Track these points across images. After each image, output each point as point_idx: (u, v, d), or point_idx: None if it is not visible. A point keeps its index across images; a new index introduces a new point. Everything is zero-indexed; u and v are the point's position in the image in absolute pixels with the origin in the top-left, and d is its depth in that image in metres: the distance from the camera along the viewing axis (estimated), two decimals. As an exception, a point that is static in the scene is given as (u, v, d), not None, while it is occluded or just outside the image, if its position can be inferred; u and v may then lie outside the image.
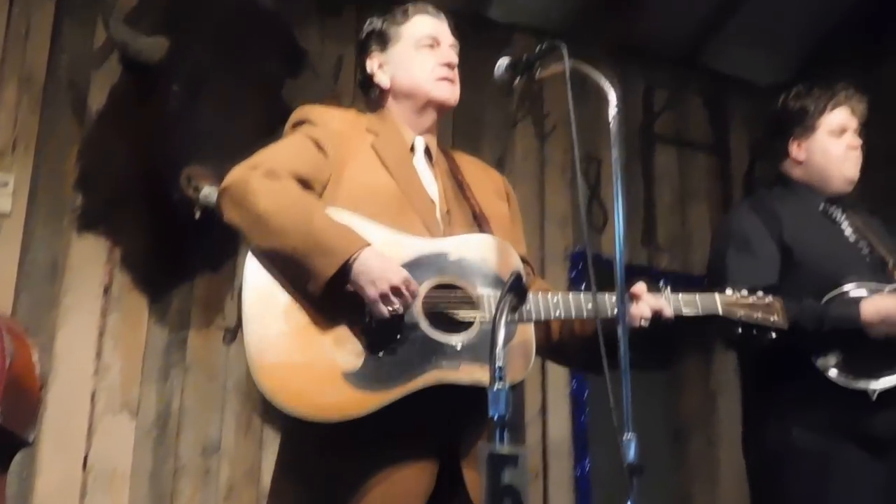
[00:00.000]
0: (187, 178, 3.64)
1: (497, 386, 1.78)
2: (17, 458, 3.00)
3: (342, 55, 4.48)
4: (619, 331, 2.07)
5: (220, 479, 3.98)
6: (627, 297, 2.41)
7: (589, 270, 2.30)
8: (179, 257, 4.11)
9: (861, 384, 2.98)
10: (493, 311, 2.12)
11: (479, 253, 2.42)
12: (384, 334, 2.28)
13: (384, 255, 2.29)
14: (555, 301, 2.40)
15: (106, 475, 3.82)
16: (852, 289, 3.07)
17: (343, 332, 2.30)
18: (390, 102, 2.68)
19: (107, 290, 4.01)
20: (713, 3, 5.21)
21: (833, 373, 3.00)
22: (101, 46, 4.18)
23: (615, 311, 2.21)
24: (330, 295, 2.26)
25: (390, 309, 2.25)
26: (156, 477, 3.90)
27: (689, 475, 5.13)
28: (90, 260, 4.01)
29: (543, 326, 2.52)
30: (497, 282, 2.36)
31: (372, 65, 2.70)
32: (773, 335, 2.66)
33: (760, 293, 2.64)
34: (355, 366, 2.26)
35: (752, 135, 5.36)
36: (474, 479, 2.25)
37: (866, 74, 5.14)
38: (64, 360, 3.85)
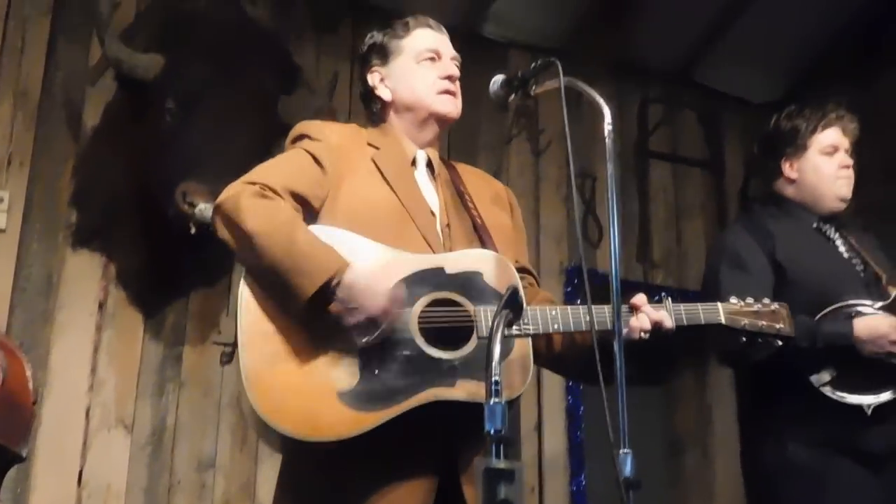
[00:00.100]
0: (182, 193, 3.64)
1: (493, 400, 1.78)
2: (11, 473, 2.99)
3: (337, 71, 4.49)
4: (615, 346, 2.07)
5: (216, 495, 3.97)
6: (626, 311, 2.42)
7: (585, 286, 2.29)
8: (174, 273, 4.10)
9: (856, 399, 2.99)
10: (490, 327, 2.12)
11: (476, 268, 2.41)
12: (379, 353, 2.27)
13: (368, 277, 2.28)
14: (553, 314, 2.39)
15: (101, 491, 3.81)
16: (847, 305, 3.08)
17: (337, 351, 2.28)
18: (392, 116, 2.68)
19: (101, 306, 4.00)
20: (707, 20, 5.23)
21: (828, 389, 3.01)
22: (96, 63, 4.18)
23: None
24: (314, 315, 2.25)
25: (366, 339, 2.24)
26: (151, 492, 3.89)
27: (685, 490, 5.13)
28: (85, 276, 4.00)
29: (545, 337, 2.51)
30: (495, 297, 2.36)
31: (373, 78, 2.70)
32: (780, 343, 2.63)
33: (767, 300, 2.61)
34: (350, 385, 2.25)
35: (746, 151, 5.38)
36: (474, 495, 2.24)
37: (860, 91, 5.17)
38: (59, 376, 3.84)
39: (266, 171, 2.48)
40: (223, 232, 2.38)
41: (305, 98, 4.19)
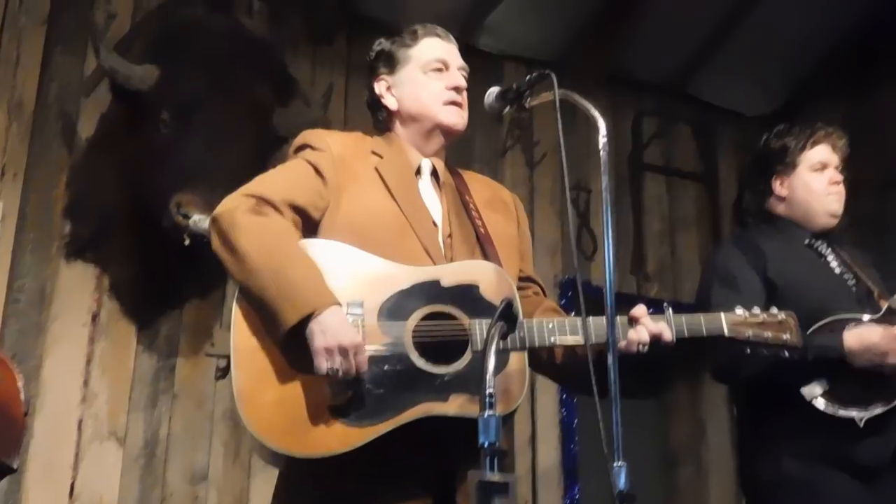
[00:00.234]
0: (177, 205, 3.63)
1: (487, 413, 1.77)
2: (3, 485, 2.99)
3: (333, 83, 4.51)
4: (609, 358, 2.06)
5: (209, 507, 3.97)
6: (626, 322, 2.39)
7: (579, 298, 2.28)
8: (168, 285, 4.10)
9: (848, 412, 2.99)
10: (485, 341, 2.11)
11: (473, 280, 2.38)
12: (371, 367, 2.25)
13: (346, 318, 2.24)
14: (550, 327, 2.37)
15: (93, 503, 3.79)
16: (838, 319, 3.08)
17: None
18: (398, 125, 2.66)
19: (95, 318, 4.00)
20: (702, 33, 5.25)
21: (820, 402, 3.01)
22: (91, 74, 4.19)
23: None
24: (294, 341, 2.22)
25: (329, 366, 2.19)
26: (143, 505, 3.88)
27: (680, 503, 5.12)
28: (78, 287, 4.00)
29: (546, 348, 2.46)
30: (491, 310, 2.29)
31: (380, 87, 2.68)
32: (787, 353, 2.58)
33: (774, 310, 2.56)
34: (341, 400, 2.24)
35: (740, 164, 5.38)
36: (470, 510, 2.23)
37: (854, 105, 5.20)
38: (51, 388, 3.83)
39: (265, 183, 2.46)
40: (217, 246, 2.37)
41: (300, 110, 4.19)
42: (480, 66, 4.69)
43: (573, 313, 2.51)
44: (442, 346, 2.31)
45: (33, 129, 4.07)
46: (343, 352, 2.20)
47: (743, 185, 3.59)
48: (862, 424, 2.98)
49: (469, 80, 2.68)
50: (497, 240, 2.55)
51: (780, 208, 3.38)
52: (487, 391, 1.80)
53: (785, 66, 5.41)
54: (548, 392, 4.63)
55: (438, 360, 2.29)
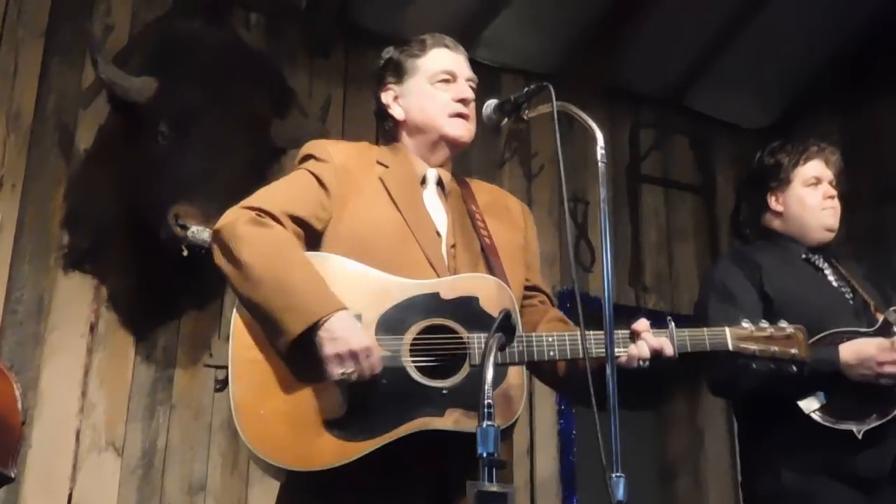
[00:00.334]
0: (175, 216, 3.63)
1: (486, 423, 1.77)
2: (0, 494, 2.98)
3: (331, 95, 4.51)
4: (608, 369, 2.06)
5: (206, 518, 3.96)
6: (626, 336, 2.37)
7: (578, 309, 2.26)
8: (165, 295, 4.10)
9: (846, 425, 2.99)
10: (482, 352, 2.10)
11: (473, 293, 2.36)
12: (368, 381, 2.24)
13: (354, 321, 2.25)
14: (549, 341, 2.35)
15: (90, 514, 3.80)
16: (835, 333, 3.09)
17: (326, 380, 2.25)
18: (404, 135, 2.65)
19: (93, 328, 3.99)
20: (699, 46, 5.26)
21: (817, 415, 3.01)
22: (89, 86, 4.19)
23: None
24: (300, 351, 2.22)
25: (342, 371, 2.20)
26: (141, 516, 3.88)
27: (677, 516, 5.12)
28: (76, 298, 4.00)
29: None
30: (490, 323, 2.25)
31: (387, 97, 2.66)
32: (794, 369, 2.54)
33: (784, 323, 2.53)
34: (338, 414, 2.24)
35: (737, 175, 5.40)
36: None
37: (850, 119, 5.22)
38: (49, 398, 3.83)
39: (266, 196, 2.46)
40: (220, 259, 2.37)
41: (298, 121, 4.20)
42: (478, 78, 4.72)
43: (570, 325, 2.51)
44: (440, 360, 2.29)
45: (31, 140, 4.07)
46: (354, 356, 2.20)
47: (739, 201, 3.62)
48: (860, 436, 2.98)
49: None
50: (502, 250, 2.54)
51: (776, 224, 3.41)
52: (486, 401, 1.80)
53: (782, 78, 5.42)
54: (546, 402, 4.62)
55: (436, 374, 2.28)
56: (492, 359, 1.90)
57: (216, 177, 3.64)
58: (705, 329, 2.47)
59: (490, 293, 2.37)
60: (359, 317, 2.28)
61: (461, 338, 2.31)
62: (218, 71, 3.85)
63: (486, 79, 4.87)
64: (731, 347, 2.46)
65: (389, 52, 2.71)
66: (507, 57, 5.08)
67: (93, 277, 4.04)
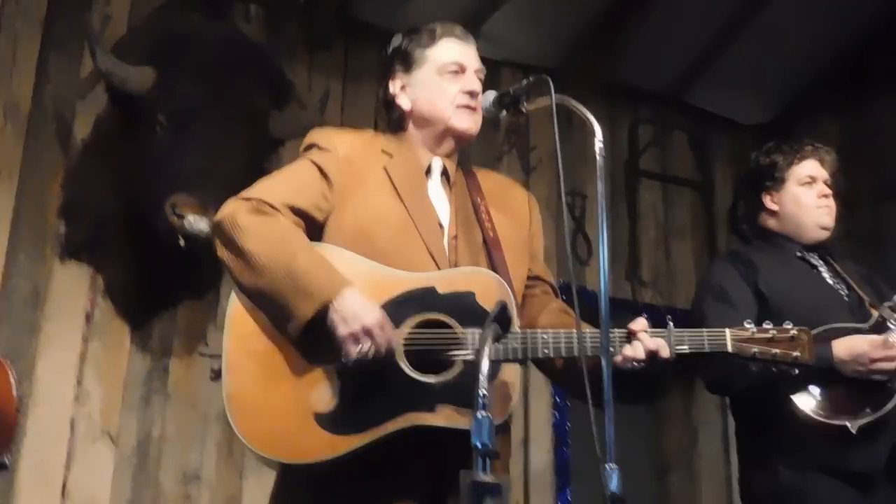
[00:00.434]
0: (172, 206, 3.63)
1: (481, 414, 1.76)
2: (-6, 483, 2.98)
3: (329, 88, 4.51)
4: (603, 363, 2.05)
5: (201, 508, 3.96)
6: (623, 335, 2.35)
7: (574, 304, 2.27)
8: (162, 285, 4.09)
9: (840, 420, 3.00)
10: (477, 345, 2.09)
11: (469, 288, 2.34)
12: (361, 376, 2.23)
13: (364, 296, 2.24)
14: (544, 339, 2.33)
15: (85, 503, 3.79)
16: (828, 329, 3.09)
17: (319, 374, 2.26)
18: (410, 125, 2.62)
19: (89, 318, 3.99)
20: (699, 43, 5.26)
21: (812, 411, 3.02)
22: (87, 76, 4.18)
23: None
24: (308, 336, 2.23)
25: (359, 349, 2.19)
26: (135, 505, 3.87)
27: (671, 511, 5.13)
28: (72, 287, 3.99)
29: None
30: (485, 318, 2.28)
31: (394, 86, 2.64)
32: (797, 372, 2.49)
33: (788, 324, 2.46)
34: (328, 408, 2.23)
35: (735, 172, 5.41)
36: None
37: (849, 119, 5.22)
38: (44, 387, 3.83)
39: (266, 186, 2.45)
40: (221, 251, 2.36)
41: (296, 113, 4.19)
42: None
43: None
44: (434, 355, 2.28)
45: (28, 130, 4.06)
46: (368, 333, 2.19)
47: (736, 200, 3.64)
48: (855, 432, 2.99)
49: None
50: (505, 242, 2.52)
51: (772, 223, 3.42)
52: (481, 391, 1.79)
53: (781, 76, 5.42)
54: (540, 395, 4.63)
55: (430, 369, 2.27)
56: (487, 349, 1.89)
57: (213, 167, 3.64)
58: (704, 330, 2.45)
59: (487, 289, 2.35)
60: None
61: (456, 333, 2.30)
62: (216, 64, 3.84)
63: (486, 73, 4.88)
64: (730, 349, 2.43)
65: (398, 41, 2.68)
66: (507, 52, 5.07)
67: (89, 267, 4.04)
